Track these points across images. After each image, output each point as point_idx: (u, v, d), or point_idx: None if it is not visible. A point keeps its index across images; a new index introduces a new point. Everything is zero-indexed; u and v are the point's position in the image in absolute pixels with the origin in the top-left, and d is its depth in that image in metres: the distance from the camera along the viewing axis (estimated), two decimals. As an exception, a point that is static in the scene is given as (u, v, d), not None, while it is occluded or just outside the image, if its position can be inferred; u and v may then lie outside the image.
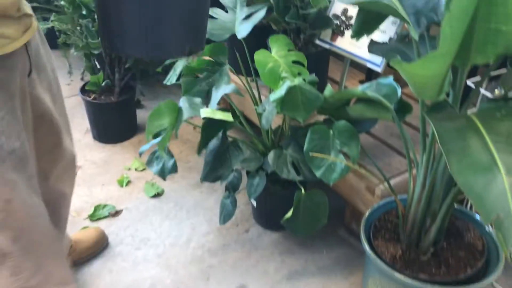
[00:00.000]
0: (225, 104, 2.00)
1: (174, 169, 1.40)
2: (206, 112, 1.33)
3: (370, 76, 1.82)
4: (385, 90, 1.16)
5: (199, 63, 1.39)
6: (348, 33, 1.47)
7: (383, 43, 1.20)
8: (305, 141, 1.27)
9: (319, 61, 1.65)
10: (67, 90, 2.50)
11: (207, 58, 1.40)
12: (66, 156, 1.19)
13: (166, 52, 0.88)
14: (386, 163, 1.46)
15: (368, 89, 1.18)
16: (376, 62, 1.40)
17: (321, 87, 1.65)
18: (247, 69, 1.49)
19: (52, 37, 2.76)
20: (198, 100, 1.34)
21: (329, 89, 1.28)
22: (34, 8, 2.44)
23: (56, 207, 1.21)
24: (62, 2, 1.86)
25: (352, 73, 1.94)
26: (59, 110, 1.13)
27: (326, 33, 1.52)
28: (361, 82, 1.86)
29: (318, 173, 1.25)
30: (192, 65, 1.37)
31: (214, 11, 1.53)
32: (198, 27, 0.90)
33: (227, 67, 1.40)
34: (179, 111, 1.30)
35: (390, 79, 1.17)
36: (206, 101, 1.39)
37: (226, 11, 1.54)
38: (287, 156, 1.40)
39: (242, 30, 1.44)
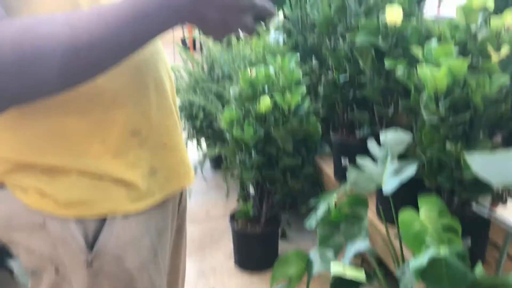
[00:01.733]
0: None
1: (295, 324, 1.32)
2: (336, 268, 1.25)
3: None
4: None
5: (337, 215, 1.35)
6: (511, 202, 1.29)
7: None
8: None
9: (478, 225, 1.45)
10: (223, 210, 2.66)
11: (346, 210, 1.36)
12: None
13: None
14: None
15: (529, 279, 0.98)
16: (546, 241, 1.18)
17: (479, 254, 1.44)
18: (390, 219, 1.39)
19: (218, 159, 3.04)
20: (330, 253, 1.27)
21: (480, 269, 1.11)
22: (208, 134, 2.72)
23: None
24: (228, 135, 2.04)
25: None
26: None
27: (486, 198, 1.36)
28: (533, 254, 1.57)
29: None
30: (331, 217, 1.33)
31: (363, 161, 1.50)
32: None
33: (366, 221, 1.33)
34: (308, 262, 1.25)
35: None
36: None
37: (375, 162, 1.50)
38: (424, 335, 1.21)
39: (389, 186, 1.37)
